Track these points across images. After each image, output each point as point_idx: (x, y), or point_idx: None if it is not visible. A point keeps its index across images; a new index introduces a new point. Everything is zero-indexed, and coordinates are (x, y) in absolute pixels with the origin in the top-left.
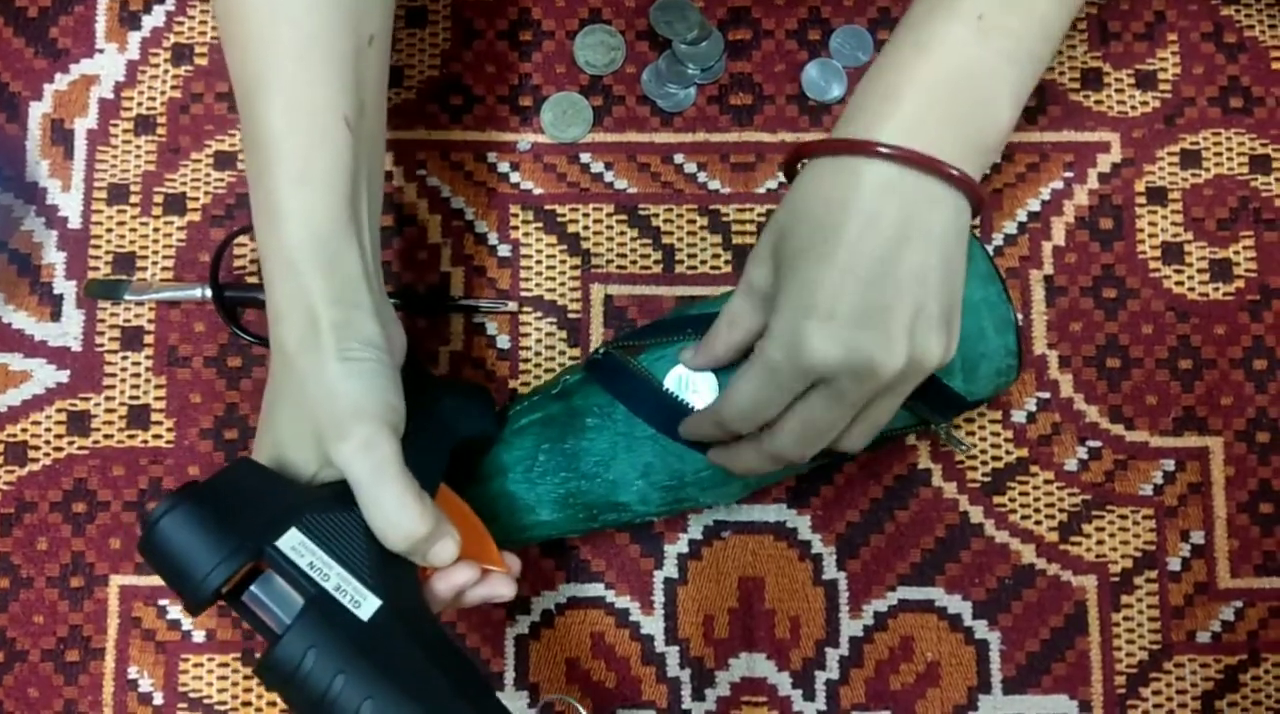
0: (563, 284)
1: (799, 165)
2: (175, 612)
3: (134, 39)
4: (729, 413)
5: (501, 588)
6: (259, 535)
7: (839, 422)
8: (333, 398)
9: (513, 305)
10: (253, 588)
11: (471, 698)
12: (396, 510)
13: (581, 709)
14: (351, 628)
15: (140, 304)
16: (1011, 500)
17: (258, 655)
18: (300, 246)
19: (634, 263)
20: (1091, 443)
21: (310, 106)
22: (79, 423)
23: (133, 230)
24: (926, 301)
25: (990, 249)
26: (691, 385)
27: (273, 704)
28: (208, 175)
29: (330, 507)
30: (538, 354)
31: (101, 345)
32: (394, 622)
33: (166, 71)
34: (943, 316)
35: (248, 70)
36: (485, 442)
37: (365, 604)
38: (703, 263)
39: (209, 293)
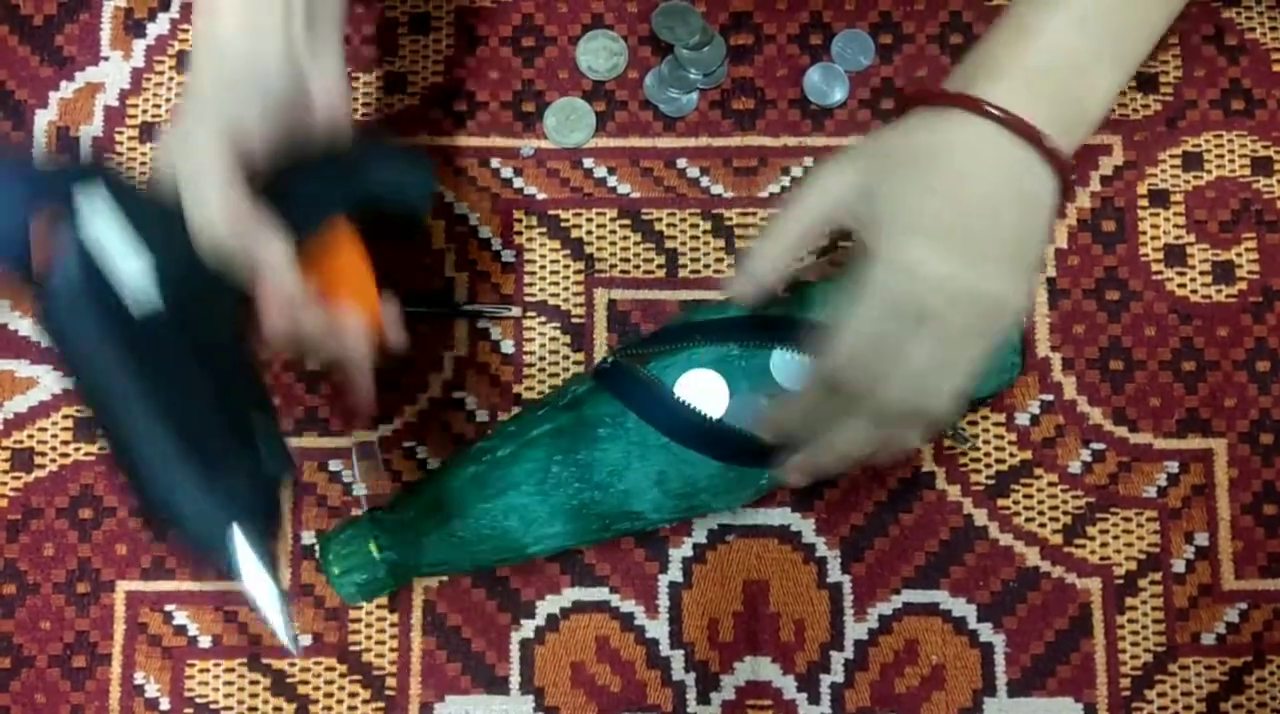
0: (566, 289)
1: (906, 113)
2: (182, 617)
3: (139, 46)
4: (843, 356)
5: (353, 333)
6: (65, 183)
7: (950, 365)
8: (192, 90)
9: (516, 311)
10: (50, 229)
11: (233, 416)
12: (206, 202)
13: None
14: (121, 314)
15: None
16: (1015, 503)
17: (264, 661)
18: None
19: (637, 267)
20: (1095, 445)
21: None
22: (85, 429)
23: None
24: (1022, 255)
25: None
26: (702, 392)
27: (278, 710)
28: None
29: (157, 202)
30: (541, 359)
31: None
32: (174, 325)
33: (171, 79)
34: (1029, 276)
35: None
36: (416, 200)
37: (145, 297)
38: (706, 267)
39: None
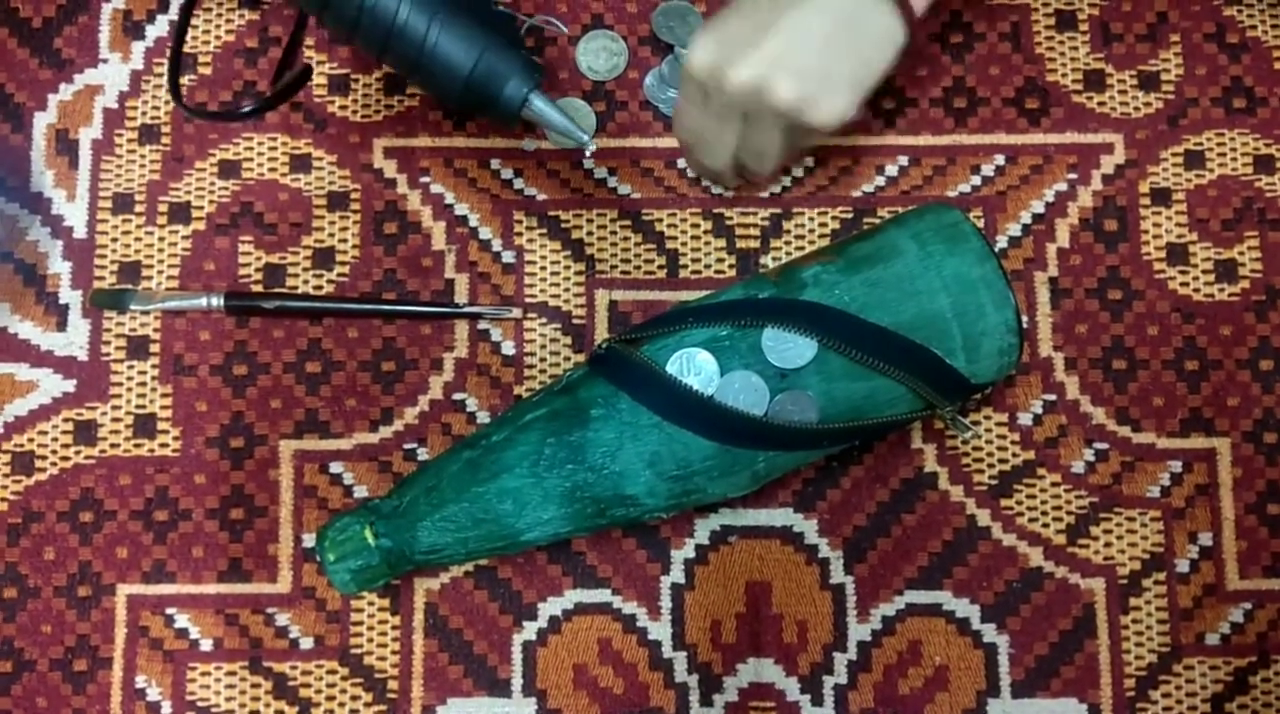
0: (567, 290)
1: None
2: (183, 620)
3: (138, 49)
4: (676, 123)
5: None
6: None
7: (721, 132)
8: None
9: (517, 312)
10: None
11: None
12: None
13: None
14: None
15: (146, 313)
16: (1019, 503)
17: (265, 664)
18: None
19: (638, 268)
20: (1098, 445)
21: None
22: (85, 432)
23: (138, 239)
24: (793, 53)
25: (999, 257)
26: (693, 369)
27: (280, 713)
28: (212, 184)
29: None
30: (542, 360)
31: (107, 355)
32: None
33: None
34: (813, 75)
35: None
36: None
37: None
38: (707, 267)
39: (215, 302)
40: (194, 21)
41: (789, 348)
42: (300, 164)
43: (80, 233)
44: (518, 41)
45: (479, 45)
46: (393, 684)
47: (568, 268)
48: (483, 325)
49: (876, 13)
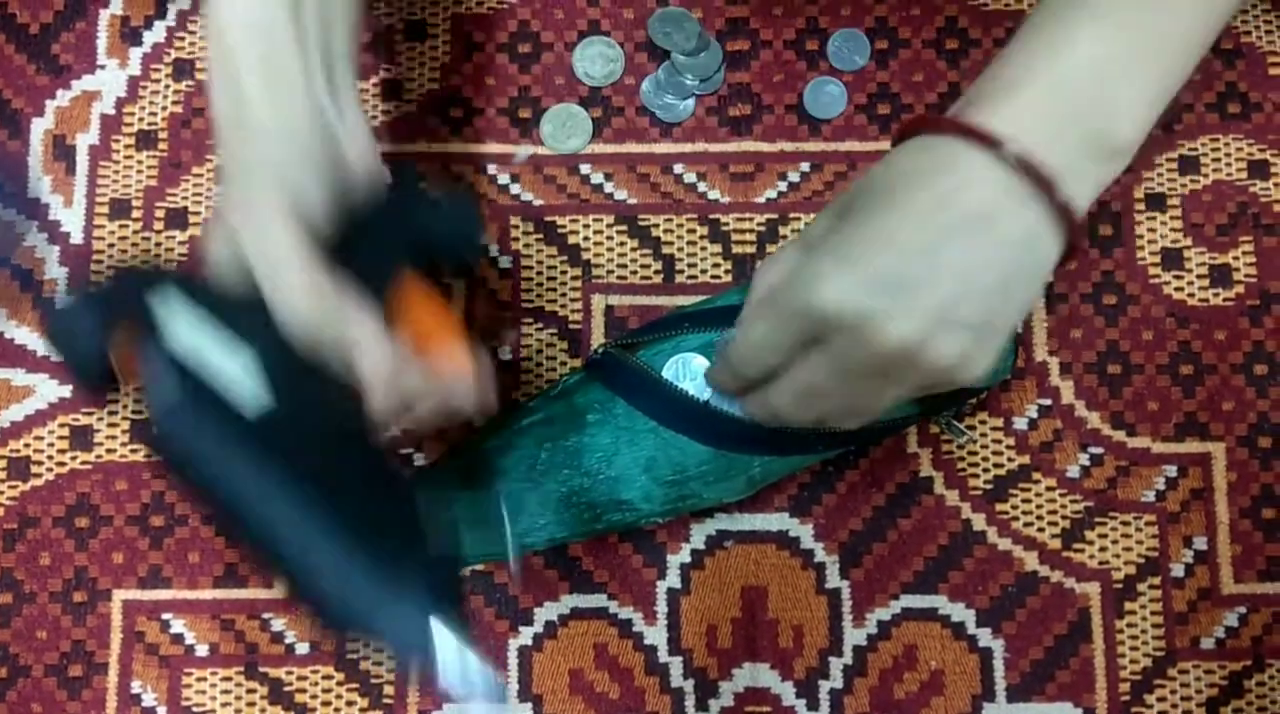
0: (563, 295)
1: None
2: (179, 626)
3: (135, 55)
4: (736, 354)
5: (457, 372)
6: (138, 291)
7: (832, 390)
8: (239, 180)
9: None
10: (142, 362)
11: (386, 501)
12: (291, 293)
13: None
14: (235, 423)
15: None
16: (1014, 508)
17: (261, 670)
18: (230, 27)
19: (634, 273)
20: (1093, 449)
21: None
22: (81, 438)
23: (134, 245)
24: (961, 303)
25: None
26: (689, 374)
27: None
28: (209, 190)
29: (242, 306)
30: (539, 365)
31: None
32: (292, 421)
33: (168, 87)
34: (977, 330)
35: None
36: (467, 240)
37: (254, 401)
38: (703, 272)
39: None
40: (193, 29)
41: None
42: None
43: (77, 238)
44: (445, 589)
45: (369, 612)
46: (388, 689)
47: (564, 273)
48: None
49: (1042, 231)
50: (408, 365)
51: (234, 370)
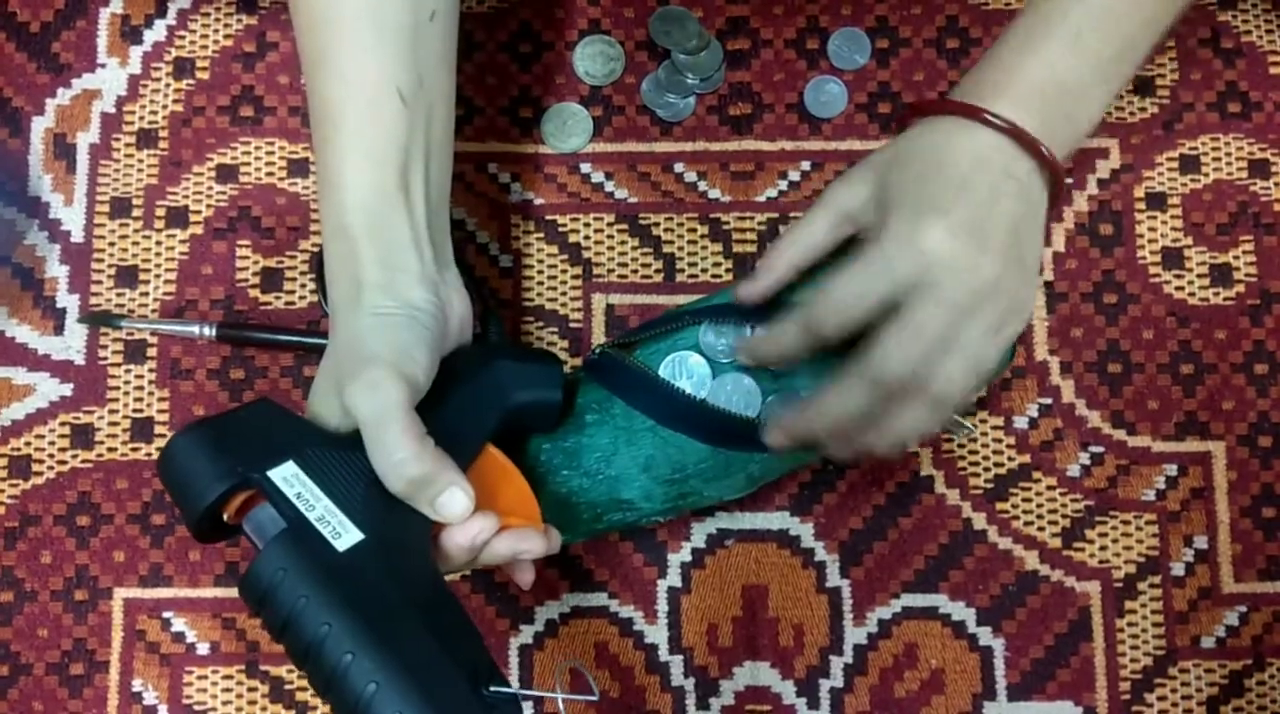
0: (564, 294)
1: (912, 122)
2: (180, 624)
3: (135, 53)
4: (824, 306)
5: (528, 543)
6: (255, 463)
7: (945, 332)
8: (353, 345)
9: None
10: (248, 515)
11: (444, 641)
12: (394, 449)
13: (589, 678)
14: (324, 555)
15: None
16: (1014, 507)
17: (262, 668)
18: (349, 212)
19: (635, 272)
20: (1094, 448)
21: (364, 79)
22: (82, 436)
23: (135, 243)
24: (1012, 243)
25: None
26: (686, 372)
27: None
28: (210, 188)
29: (336, 446)
30: None
31: (104, 359)
32: (374, 557)
33: (168, 85)
34: (1032, 271)
35: (312, 45)
36: (548, 410)
37: (346, 536)
38: (704, 271)
39: (207, 331)
40: (193, 27)
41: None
42: (298, 168)
43: (78, 237)
44: None
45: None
46: None
47: (565, 272)
48: (478, 328)
49: (1037, 179)
50: (487, 523)
51: (329, 508)
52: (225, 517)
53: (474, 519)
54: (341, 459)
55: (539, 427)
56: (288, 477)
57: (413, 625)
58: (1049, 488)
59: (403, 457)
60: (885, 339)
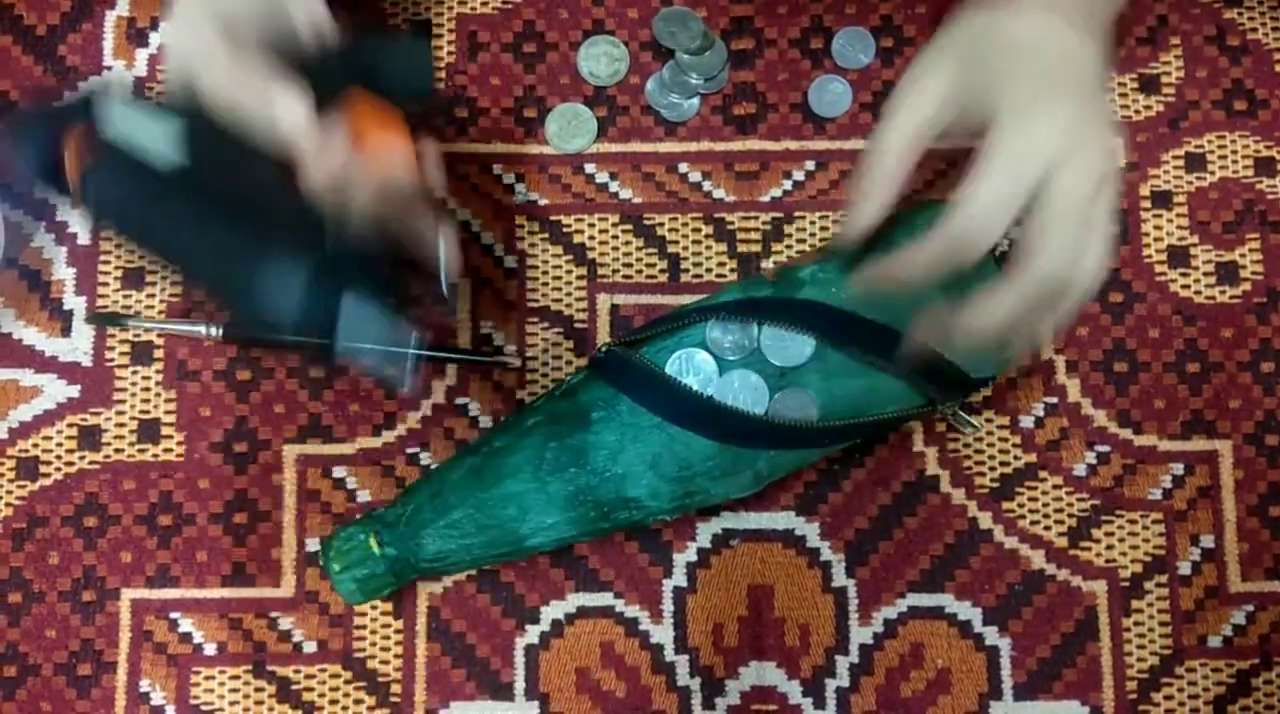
0: (569, 294)
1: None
2: (187, 625)
3: (141, 56)
4: (975, 210)
5: (397, 167)
6: (83, 107)
7: (1093, 218)
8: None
9: (515, 361)
10: (81, 161)
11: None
12: (210, 67)
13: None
14: (149, 175)
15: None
16: (1020, 506)
17: (269, 668)
18: None
19: (640, 272)
20: (1100, 447)
21: None
22: (90, 437)
23: None
24: (1101, 106)
25: (995, 255)
26: (692, 369)
27: None
28: None
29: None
30: (544, 364)
31: (111, 360)
32: (205, 180)
33: None
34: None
35: None
36: (418, 87)
37: (171, 160)
38: (708, 271)
39: (214, 331)
40: None
41: (787, 346)
42: None
43: (84, 239)
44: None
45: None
46: (395, 688)
47: (569, 272)
48: (485, 330)
49: (1089, 51)
50: (342, 147)
51: (158, 134)
52: (68, 169)
53: (309, 131)
54: (182, 110)
55: (410, 106)
56: (115, 104)
57: (236, 227)
58: (1055, 487)
59: (223, 70)
60: (1044, 232)
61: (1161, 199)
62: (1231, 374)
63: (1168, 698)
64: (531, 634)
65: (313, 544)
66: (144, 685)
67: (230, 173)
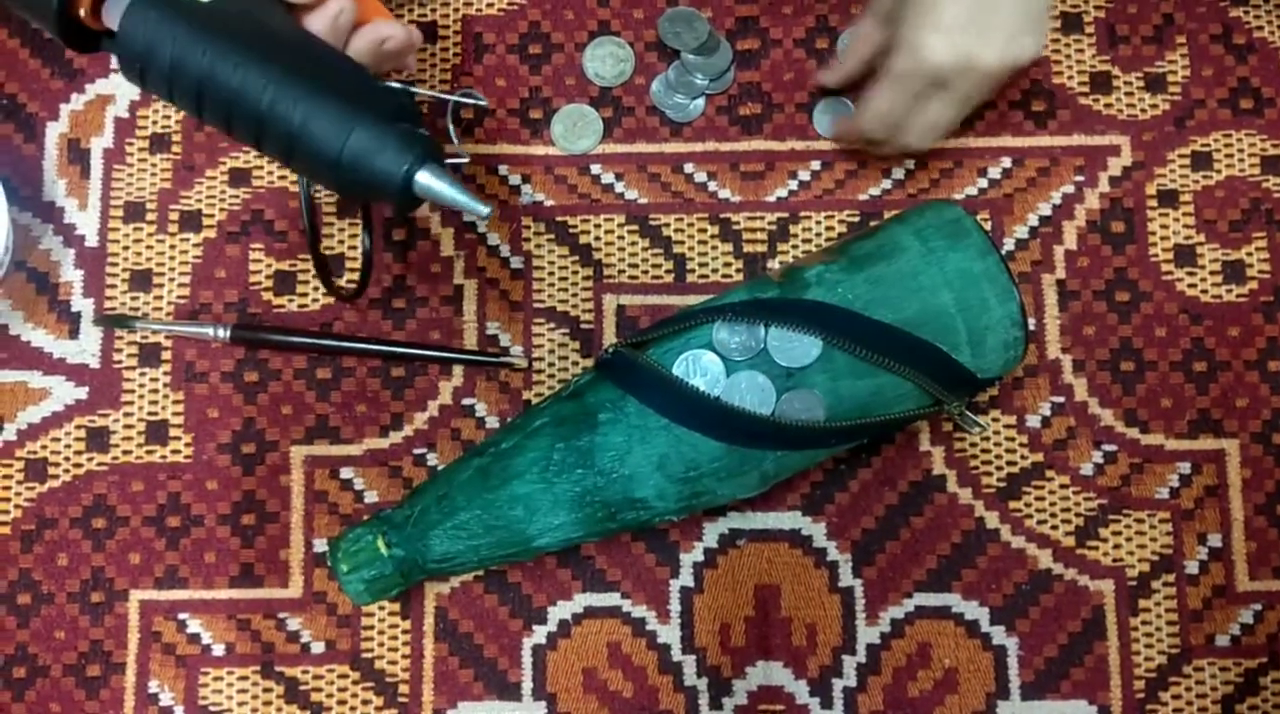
0: (575, 295)
1: None
2: (195, 625)
3: None
4: (867, 121)
5: (389, 29)
6: None
7: (954, 116)
8: None
9: (522, 362)
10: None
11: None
12: None
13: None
14: (190, 5)
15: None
16: (1027, 505)
17: (277, 669)
18: None
19: (645, 273)
20: (1107, 447)
21: None
22: (98, 439)
23: (149, 247)
24: (1022, 9)
25: (1002, 253)
26: (699, 370)
27: None
28: (223, 192)
29: None
30: (551, 365)
31: (119, 362)
32: (238, 7)
33: None
34: (1034, 20)
35: None
36: None
37: None
38: (714, 272)
39: (221, 333)
40: None
41: (794, 347)
42: None
43: (92, 241)
44: (408, 116)
45: (348, 124)
46: (404, 688)
47: (575, 273)
48: (491, 330)
49: None
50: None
51: None
52: (82, 15)
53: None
54: None
55: None
56: None
57: (300, 47)
58: (1062, 486)
59: None
60: (909, 124)
61: (1168, 198)
62: (1238, 373)
63: (1175, 697)
64: (539, 634)
65: (320, 545)
66: (153, 686)
67: (264, 12)
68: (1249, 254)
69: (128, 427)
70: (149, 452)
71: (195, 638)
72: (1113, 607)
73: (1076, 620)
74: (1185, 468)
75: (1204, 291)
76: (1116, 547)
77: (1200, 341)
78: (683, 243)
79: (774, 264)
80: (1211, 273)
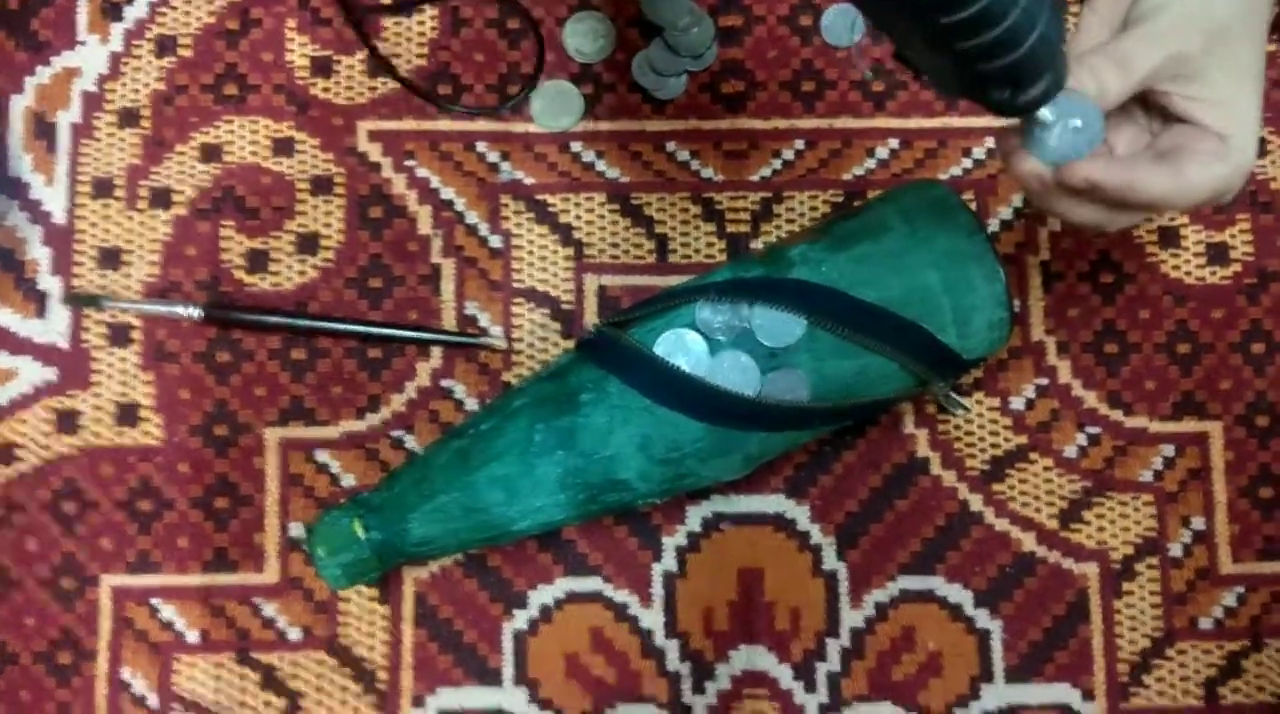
0: (555, 275)
1: None
2: (169, 612)
3: (116, 30)
4: (1182, 203)
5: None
6: None
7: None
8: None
9: (501, 343)
10: None
11: None
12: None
13: None
14: None
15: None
16: (1011, 488)
17: (253, 656)
18: None
19: (627, 252)
20: (1090, 429)
21: None
22: (67, 421)
23: (118, 224)
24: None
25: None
26: (682, 350)
27: (268, 704)
28: (193, 168)
29: None
30: (531, 346)
31: (88, 342)
32: None
33: (150, 63)
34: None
35: None
36: None
37: None
38: (696, 252)
39: (193, 312)
40: (175, 4)
41: (778, 326)
42: (283, 147)
43: (59, 218)
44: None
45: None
46: (382, 674)
47: (556, 253)
48: (470, 311)
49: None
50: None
51: None
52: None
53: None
54: None
55: None
56: None
57: None
58: (1046, 469)
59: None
60: (1200, 174)
61: None
62: (1222, 355)
63: (1159, 679)
64: (520, 619)
65: (296, 529)
66: (125, 674)
67: None
68: (1232, 236)
69: (97, 408)
70: (119, 434)
71: (169, 624)
72: (1096, 589)
73: (1060, 603)
74: (1169, 450)
75: (1188, 273)
76: (1100, 529)
77: (1184, 324)
78: (665, 222)
79: (758, 244)
80: (1195, 255)
